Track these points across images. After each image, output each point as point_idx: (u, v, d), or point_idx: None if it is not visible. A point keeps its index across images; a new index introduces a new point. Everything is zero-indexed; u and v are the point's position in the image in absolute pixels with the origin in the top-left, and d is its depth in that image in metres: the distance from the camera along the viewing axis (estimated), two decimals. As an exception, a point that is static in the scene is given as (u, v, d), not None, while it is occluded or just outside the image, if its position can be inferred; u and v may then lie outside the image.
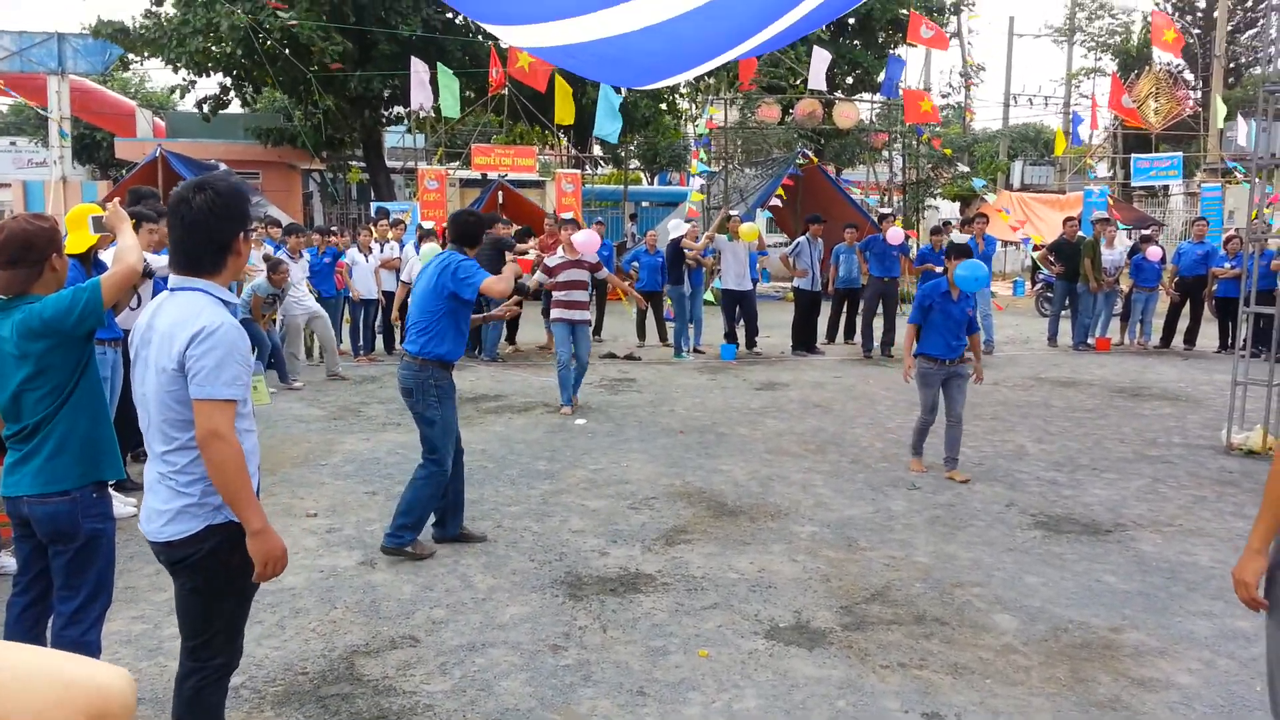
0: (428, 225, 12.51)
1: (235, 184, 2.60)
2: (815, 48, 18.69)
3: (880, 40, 26.03)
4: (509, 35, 8.60)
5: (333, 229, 14.24)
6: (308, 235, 11.48)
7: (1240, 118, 23.88)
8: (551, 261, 8.95)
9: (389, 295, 11.69)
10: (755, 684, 3.65)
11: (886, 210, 15.99)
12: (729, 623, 4.20)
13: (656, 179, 36.37)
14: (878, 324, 12.64)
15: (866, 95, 24.84)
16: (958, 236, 12.63)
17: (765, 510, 5.85)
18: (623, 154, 28.60)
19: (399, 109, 23.65)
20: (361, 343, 11.85)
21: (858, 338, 13.10)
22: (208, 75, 21.72)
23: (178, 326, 2.48)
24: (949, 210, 25.95)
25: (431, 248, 9.38)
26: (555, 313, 8.95)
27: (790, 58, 21.37)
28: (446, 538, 5.17)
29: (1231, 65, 33.77)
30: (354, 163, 26.90)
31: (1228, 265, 12.69)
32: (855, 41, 25.34)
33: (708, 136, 19.59)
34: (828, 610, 4.34)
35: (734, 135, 22.10)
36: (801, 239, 12.87)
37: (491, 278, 4.98)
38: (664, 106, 24.63)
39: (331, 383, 10.17)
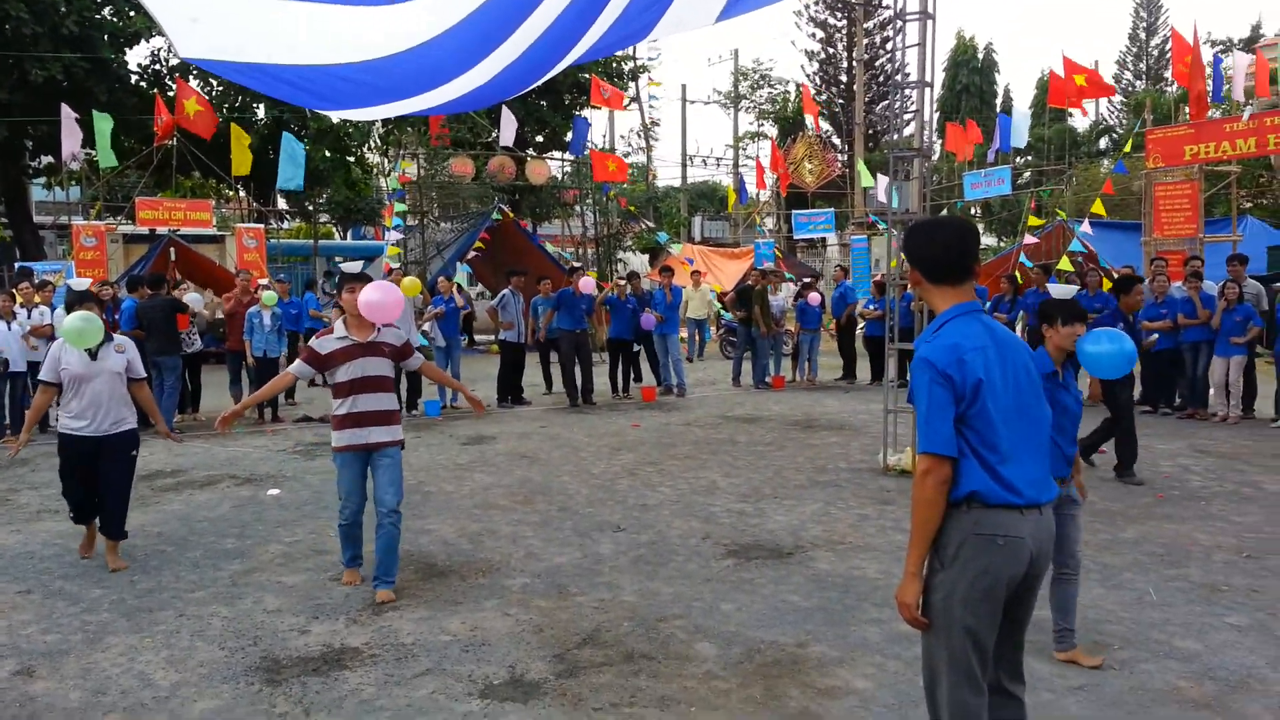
0: (79, 284, 9.16)
1: None
2: (504, 107, 19.09)
3: (566, 102, 27.13)
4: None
5: None
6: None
7: (880, 177, 27.25)
8: (325, 346, 5.26)
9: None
10: (471, 747, 3.58)
11: (577, 264, 16.57)
12: (442, 688, 4.10)
13: (350, 233, 35.24)
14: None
15: (557, 153, 25.73)
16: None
17: (476, 567, 5.79)
18: (311, 207, 27.45)
19: (47, 158, 21.20)
20: (9, 421, 10.37)
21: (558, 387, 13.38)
22: None
23: None
24: (638, 262, 27.38)
25: (85, 318, 5.74)
26: (339, 436, 5.27)
27: (480, 114, 21.66)
28: None
29: (871, 132, 38.64)
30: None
31: (873, 308, 14.41)
32: (542, 101, 26.23)
33: (402, 190, 19.35)
34: (541, 661, 4.37)
35: (428, 189, 21.97)
36: (505, 292, 13.01)
37: None
38: (351, 159, 23.97)
39: (-33, 470, 8.82)
